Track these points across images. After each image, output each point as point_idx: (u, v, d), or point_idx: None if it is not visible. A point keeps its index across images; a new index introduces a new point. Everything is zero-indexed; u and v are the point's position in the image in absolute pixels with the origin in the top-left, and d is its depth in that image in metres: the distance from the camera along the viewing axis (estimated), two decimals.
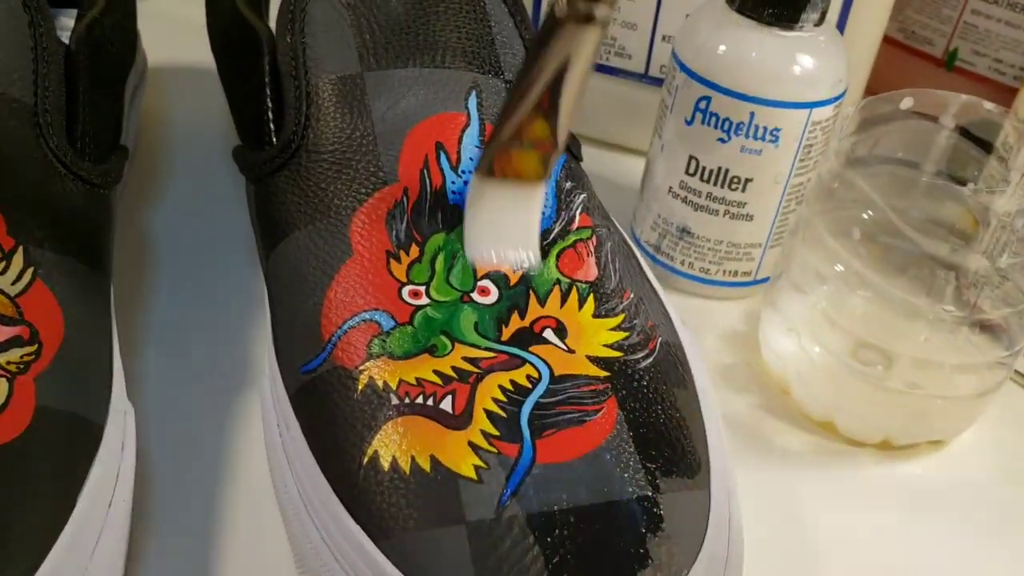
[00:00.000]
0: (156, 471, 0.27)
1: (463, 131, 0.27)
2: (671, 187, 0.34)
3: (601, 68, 0.41)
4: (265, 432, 0.26)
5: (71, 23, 0.33)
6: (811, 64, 0.31)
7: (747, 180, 0.33)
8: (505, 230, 0.26)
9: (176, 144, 0.41)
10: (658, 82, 0.41)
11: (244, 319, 0.32)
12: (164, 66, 0.44)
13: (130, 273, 0.33)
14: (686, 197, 0.34)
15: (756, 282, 0.36)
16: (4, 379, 0.22)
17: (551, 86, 0.23)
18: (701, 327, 0.35)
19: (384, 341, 0.24)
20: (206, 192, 0.38)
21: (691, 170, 0.33)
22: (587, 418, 0.23)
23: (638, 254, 0.30)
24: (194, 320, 0.32)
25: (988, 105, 0.31)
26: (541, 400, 0.23)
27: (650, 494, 0.22)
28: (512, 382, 0.23)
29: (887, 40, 0.47)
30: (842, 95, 0.32)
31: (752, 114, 0.31)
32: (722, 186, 0.33)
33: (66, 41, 0.30)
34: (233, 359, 0.31)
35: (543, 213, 0.27)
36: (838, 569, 0.27)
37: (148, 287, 0.33)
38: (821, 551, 0.28)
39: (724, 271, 0.35)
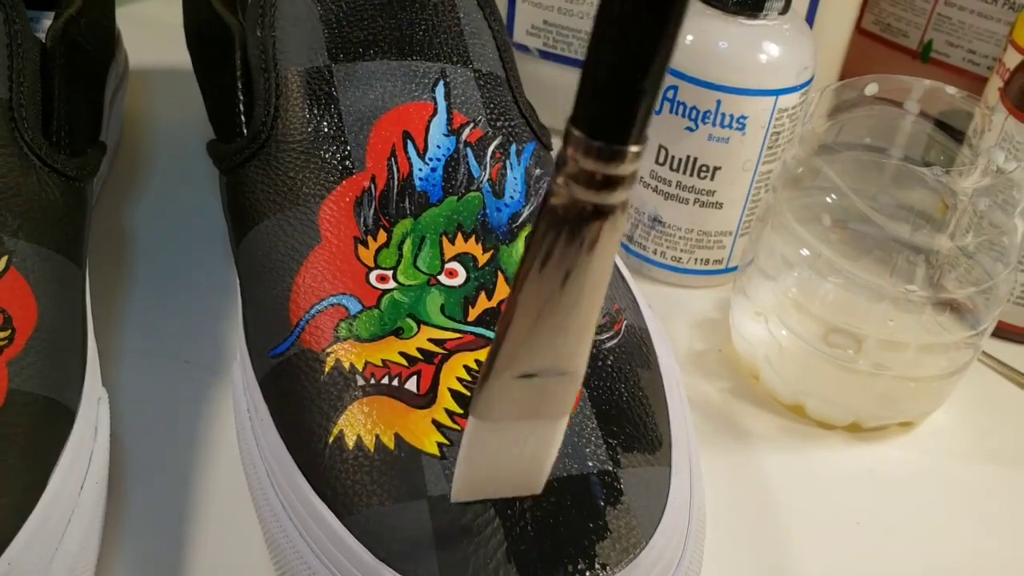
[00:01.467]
0: (130, 456, 0.28)
1: (430, 120, 0.28)
2: (642, 177, 0.35)
3: (575, 62, 0.42)
4: (235, 417, 0.26)
5: (49, 24, 0.33)
6: (776, 52, 0.32)
7: (716, 168, 0.33)
8: (507, 469, 0.21)
9: (156, 142, 0.41)
10: None
11: (218, 309, 0.33)
12: (145, 68, 0.45)
13: (109, 265, 0.34)
14: (656, 186, 0.34)
15: (728, 270, 0.36)
16: None
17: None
18: (674, 314, 0.35)
19: (351, 324, 0.25)
20: (185, 188, 0.39)
21: (660, 159, 0.34)
22: None
23: None
24: (171, 311, 0.33)
25: (951, 90, 0.32)
26: None
27: (611, 468, 0.22)
28: (477, 362, 0.24)
29: (863, 32, 0.48)
30: (809, 82, 0.33)
31: (719, 102, 0.32)
32: (691, 175, 0.34)
33: (42, 39, 0.30)
34: (207, 347, 0.31)
35: (512, 198, 0.27)
36: (808, 550, 0.28)
37: (126, 279, 0.34)
38: (791, 533, 0.28)
39: (696, 259, 0.36)
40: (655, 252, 0.36)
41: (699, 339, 0.34)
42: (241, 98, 0.29)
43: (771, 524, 0.29)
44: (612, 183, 0.15)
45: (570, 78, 0.42)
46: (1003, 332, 0.36)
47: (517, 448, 0.20)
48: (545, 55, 0.42)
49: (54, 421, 0.24)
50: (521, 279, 0.17)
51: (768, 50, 0.32)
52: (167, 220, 0.37)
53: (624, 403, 0.24)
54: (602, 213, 0.16)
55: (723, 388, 0.33)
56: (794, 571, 0.27)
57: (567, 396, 0.19)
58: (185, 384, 0.30)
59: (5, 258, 0.25)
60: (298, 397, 0.24)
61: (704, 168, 0.33)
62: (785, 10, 0.32)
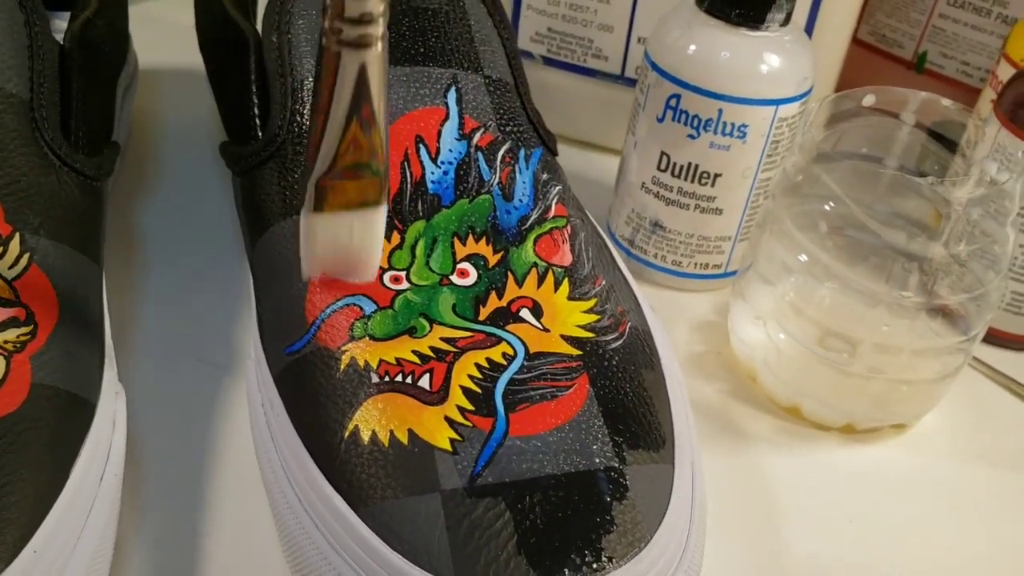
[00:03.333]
0: (144, 451, 0.28)
1: (442, 124, 0.29)
2: (644, 183, 0.36)
3: (578, 69, 0.43)
4: (250, 412, 0.27)
5: (64, 25, 0.34)
6: (777, 63, 0.32)
7: (716, 175, 0.34)
8: (344, 257, 0.26)
9: (165, 142, 0.42)
10: (634, 83, 0.42)
11: (229, 307, 0.34)
12: (154, 68, 0.45)
13: (120, 264, 0.35)
14: (658, 192, 0.35)
15: (726, 275, 0.37)
16: (1, 357, 0.23)
17: (352, 110, 0.23)
18: (673, 318, 0.36)
19: (366, 323, 0.25)
20: (194, 187, 0.39)
21: (662, 166, 0.35)
22: (559, 393, 0.24)
23: (611, 246, 0.31)
24: (181, 309, 0.33)
25: (946, 102, 0.33)
26: (516, 376, 0.24)
27: (617, 465, 0.23)
28: (488, 359, 0.25)
29: (859, 43, 0.49)
30: (808, 92, 0.34)
31: (720, 111, 0.33)
32: (692, 181, 0.34)
33: (60, 41, 0.31)
34: (217, 344, 0.32)
35: (521, 201, 0.28)
36: (803, 546, 0.29)
37: (137, 277, 0.34)
38: (787, 530, 0.29)
39: (695, 264, 0.36)
40: (656, 256, 0.37)
41: (698, 342, 0.35)
42: (256, 102, 0.30)
43: (768, 521, 0.29)
44: (367, 21, 0.21)
45: (572, 84, 0.43)
46: (993, 338, 0.37)
47: (346, 235, 0.25)
48: (548, 62, 0.43)
49: (75, 414, 0.24)
50: (317, 101, 0.23)
51: (769, 61, 0.32)
52: (175, 220, 0.37)
53: (629, 402, 0.25)
54: (363, 44, 0.22)
55: (721, 389, 0.34)
56: (789, 567, 0.28)
57: (376, 186, 0.24)
58: (196, 380, 0.31)
59: (27, 255, 0.25)
60: (314, 393, 0.24)
61: (705, 175, 0.34)
62: (786, 22, 0.33)
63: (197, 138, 0.42)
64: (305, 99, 0.29)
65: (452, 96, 0.29)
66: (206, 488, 0.28)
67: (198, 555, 0.26)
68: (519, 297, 0.26)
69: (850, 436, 0.33)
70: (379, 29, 0.22)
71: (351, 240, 0.25)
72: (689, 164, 0.34)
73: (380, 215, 0.25)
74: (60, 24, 0.36)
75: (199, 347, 0.32)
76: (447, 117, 0.29)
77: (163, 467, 0.28)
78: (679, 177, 0.34)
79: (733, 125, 0.33)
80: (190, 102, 0.44)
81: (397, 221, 0.27)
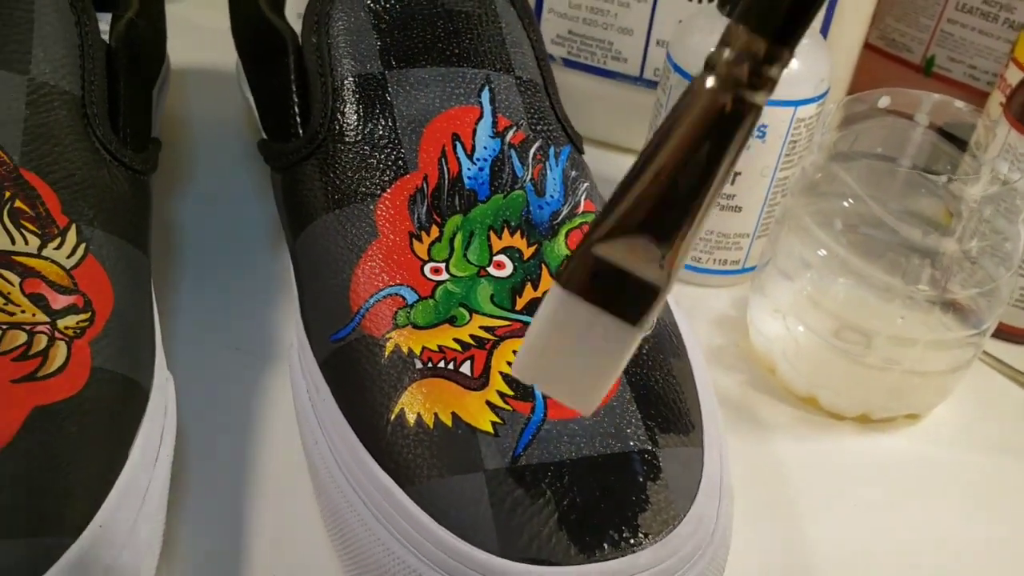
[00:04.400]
0: (188, 437, 0.29)
1: (477, 123, 0.30)
2: None
3: (598, 71, 0.44)
4: (295, 397, 0.28)
5: (105, 26, 0.35)
6: (796, 65, 0.34)
7: (736, 174, 0.35)
8: (570, 365, 0.19)
9: (195, 139, 0.43)
10: (652, 84, 0.43)
11: (264, 298, 0.35)
12: (184, 68, 0.46)
13: (156, 257, 0.36)
14: None
15: (744, 270, 0.38)
16: (63, 342, 0.24)
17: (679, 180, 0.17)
18: (693, 312, 0.37)
19: (408, 313, 0.26)
20: (224, 183, 0.40)
21: None
22: None
23: None
24: (218, 300, 0.35)
25: (958, 103, 0.34)
26: None
27: (650, 448, 0.24)
28: None
29: (868, 47, 0.50)
30: (825, 94, 0.35)
31: None
32: None
33: (105, 40, 0.32)
34: (256, 334, 0.33)
35: (552, 196, 0.29)
36: (820, 530, 0.30)
37: (174, 270, 0.36)
38: (804, 516, 0.30)
39: (715, 260, 0.38)
40: None
41: (718, 335, 0.37)
42: (296, 100, 0.31)
43: (786, 506, 0.31)
44: (761, 84, 0.16)
45: (593, 86, 0.44)
46: (1003, 333, 0.38)
47: (585, 342, 0.18)
48: (569, 64, 0.44)
49: (132, 397, 0.25)
50: (647, 154, 0.17)
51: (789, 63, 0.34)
52: (207, 214, 0.39)
53: (660, 388, 0.26)
54: (742, 112, 0.16)
55: (741, 381, 0.35)
56: (807, 549, 0.29)
57: (648, 304, 0.18)
58: (236, 369, 0.32)
59: (83, 245, 0.27)
60: (359, 378, 0.26)
61: None
62: None
63: (225, 136, 0.43)
64: (347, 99, 0.30)
65: (486, 96, 0.30)
66: (248, 473, 0.29)
67: (243, 539, 0.27)
68: None
69: (865, 425, 0.34)
70: (766, 98, 0.17)
71: (588, 348, 0.19)
72: None
73: (632, 338, 0.18)
74: (101, 25, 0.37)
75: (237, 336, 0.33)
76: (481, 116, 0.30)
77: (206, 454, 0.29)
78: None
79: None
80: (219, 101, 0.45)
81: (436, 215, 0.28)
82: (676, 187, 0.17)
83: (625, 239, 0.17)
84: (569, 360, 0.19)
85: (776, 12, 0.16)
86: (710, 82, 0.16)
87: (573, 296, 0.18)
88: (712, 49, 0.17)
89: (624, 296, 0.18)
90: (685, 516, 0.24)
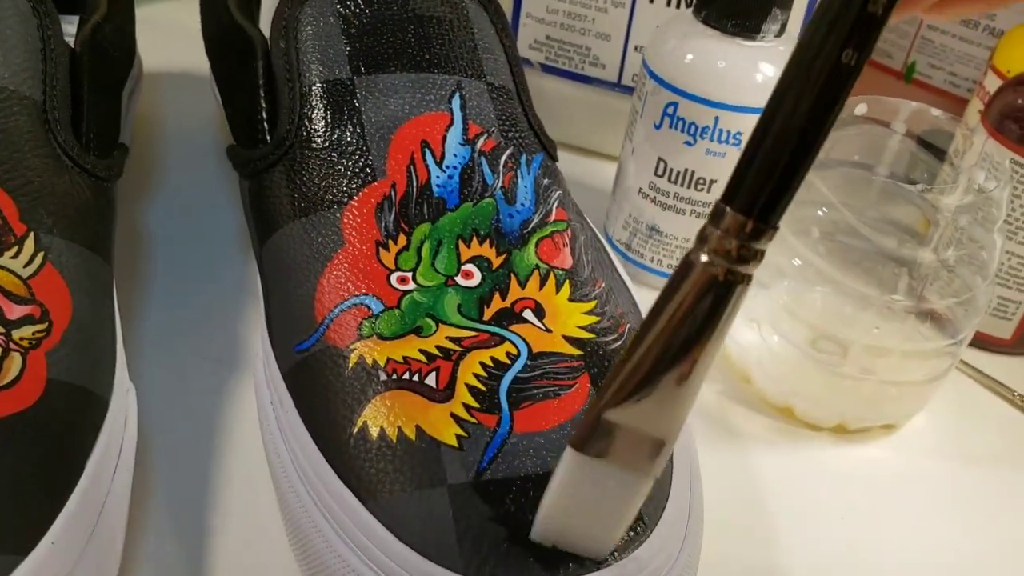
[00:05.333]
0: (150, 448, 0.29)
1: (447, 130, 0.29)
2: (641, 188, 0.36)
3: (576, 76, 0.44)
4: (259, 408, 0.27)
5: (72, 29, 0.35)
6: (772, 72, 0.33)
7: (712, 181, 0.35)
8: (587, 518, 0.21)
9: (168, 144, 0.42)
10: (630, 90, 0.43)
11: (232, 306, 0.34)
12: (157, 71, 0.46)
13: (124, 264, 0.35)
14: (655, 197, 0.36)
15: None
16: (18, 353, 0.24)
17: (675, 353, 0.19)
18: None
19: (374, 323, 0.26)
20: (196, 189, 0.40)
21: (659, 172, 0.35)
22: (562, 392, 0.25)
23: (609, 250, 0.32)
24: (184, 308, 0.34)
25: (936, 112, 0.34)
26: (519, 375, 0.25)
27: None
28: (492, 358, 0.25)
29: None
30: None
31: (716, 119, 0.33)
32: (689, 187, 0.35)
33: (70, 44, 0.31)
34: (223, 343, 0.33)
35: (523, 205, 0.29)
36: (796, 545, 0.29)
37: (141, 277, 0.35)
38: (780, 528, 0.30)
39: None
40: (652, 260, 0.37)
41: None
42: (264, 106, 0.31)
43: (760, 518, 0.30)
44: (749, 257, 0.19)
45: (570, 91, 0.44)
46: (980, 342, 0.38)
47: (601, 496, 0.21)
48: (547, 69, 0.44)
49: (89, 410, 0.25)
50: (649, 327, 0.19)
51: (764, 70, 0.33)
52: (176, 221, 0.38)
53: None
54: (733, 282, 0.19)
55: (716, 390, 0.34)
56: (781, 562, 0.29)
57: (656, 454, 0.20)
58: (201, 377, 0.31)
59: (42, 254, 0.26)
60: (323, 390, 0.25)
61: (701, 181, 0.35)
62: (780, 33, 0.34)
63: (199, 141, 0.43)
64: (314, 104, 0.29)
65: (456, 102, 0.30)
66: (212, 483, 0.28)
67: (206, 550, 0.27)
68: (522, 298, 0.27)
69: (841, 436, 0.33)
70: (755, 268, 0.19)
71: (601, 499, 0.21)
72: (686, 170, 0.35)
73: (644, 487, 0.21)
74: (68, 28, 0.37)
75: (203, 345, 0.33)
76: (452, 123, 0.30)
77: (169, 463, 0.29)
78: (676, 183, 0.35)
79: (729, 132, 0.34)
80: (192, 105, 0.45)
81: (403, 223, 0.28)
82: (676, 348, 0.19)
83: (631, 401, 0.19)
84: (585, 514, 0.21)
85: (760, 196, 0.18)
86: (703, 257, 0.18)
87: (588, 457, 0.20)
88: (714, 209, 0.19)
89: (636, 451, 0.20)
90: (653, 530, 0.23)
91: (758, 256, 0.19)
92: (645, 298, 0.32)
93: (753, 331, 0.33)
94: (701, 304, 0.19)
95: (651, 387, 0.19)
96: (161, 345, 0.32)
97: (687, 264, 0.19)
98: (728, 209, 0.18)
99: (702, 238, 0.19)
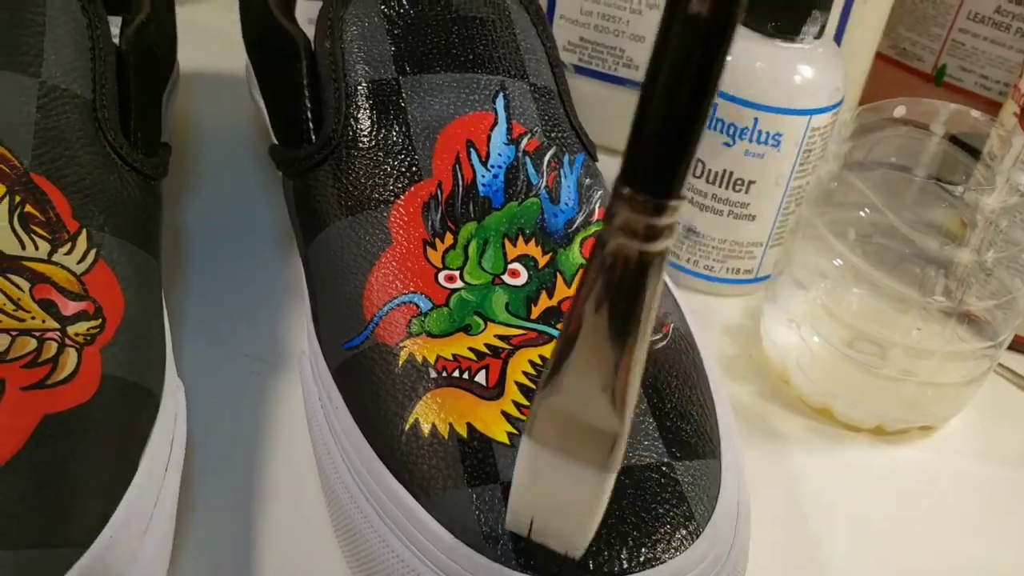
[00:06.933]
0: (196, 444, 0.29)
1: (491, 129, 0.30)
2: None
3: (609, 78, 0.44)
4: (306, 405, 0.28)
5: (115, 29, 0.35)
6: (811, 74, 0.33)
7: (750, 182, 0.35)
8: (553, 511, 0.21)
9: (204, 144, 0.43)
10: None
11: (272, 303, 0.34)
12: (192, 71, 0.46)
13: (164, 263, 0.35)
14: (692, 198, 0.36)
15: (757, 279, 0.38)
16: (73, 349, 0.24)
17: (607, 335, 0.18)
18: (705, 321, 0.37)
19: (422, 321, 0.26)
20: (232, 187, 0.40)
21: (698, 172, 0.36)
22: None
23: None
24: (226, 306, 0.34)
25: (975, 114, 0.34)
26: None
27: (668, 461, 0.24)
28: (541, 356, 0.25)
29: (879, 56, 0.50)
30: (839, 103, 0.35)
31: (756, 120, 0.34)
32: (727, 187, 0.35)
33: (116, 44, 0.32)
34: (265, 340, 0.33)
35: (567, 204, 0.29)
36: (834, 544, 0.29)
37: (181, 275, 0.35)
38: (819, 528, 0.30)
39: (727, 269, 0.37)
40: (688, 261, 0.38)
41: (730, 344, 0.36)
42: (309, 106, 0.31)
43: (800, 518, 0.30)
44: (657, 234, 0.17)
45: (603, 93, 0.44)
46: (1019, 345, 0.38)
47: (561, 488, 0.20)
48: (580, 70, 0.44)
49: (143, 405, 0.25)
50: (572, 314, 0.18)
51: (803, 72, 0.33)
52: (215, 219, 0.38)
53: (677, 401, 0.26)
54: (647, 261, 0.17)
55: (754, 391, 0.34)
56: (821, 563, 0.29)
57: (608, 448, 0.19)
58: (244, 374, 0.32)
59: (94, 251, 0.26)
60: (373, 387, 0.25)
61: (739, 182, 0.35)
62: (819, 35, 0.34)
63: (233, 140, 0.43)
64: (360, 104, 0.29)
65: (500, 102, 0.30)
66: (257, 479, 0.29)
67: (252, 547, 0.27)
68: (569, 297, 0.27)
69: (880, 437, 0.33)
70: (665, 244, 0.18)
71: (561, 493, 0.20)
72: (724, 171, 0.35)
73: (603, 481, 0.20)
74: (112, 28, 0.37)
75: (244, 342, 0.33)
76: (496, 122, 0.30)
77: (214, 459, 0.29)
78: (714, 183, 0.35)
79: (768, 134, 0.34)
80: (226, 106, 0.45)
81: (450, 222, 0.28)
82: (602, 334, 0.18)
83: (575, 388, 0.19)
84: (550, 507, 0.21)
85: (652, 172, 0.17)
86: (613, 239, 0.17)
87: (540, 447, 0.20)
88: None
89: (587, 444, 0.19)
90: (704, 531, 0.23)
91: (666, 232, 0.17)
92: (682, 300, 0.32)
93: (792, 331, 0.34)
94: (614, 286, 0.18)
95: (582, 374, 0.19)
96: (202, 341, 0.33)
97: (600, 246, 0.18)
98: (627, 190, 0.17)
99: (609, 219, 0.18)
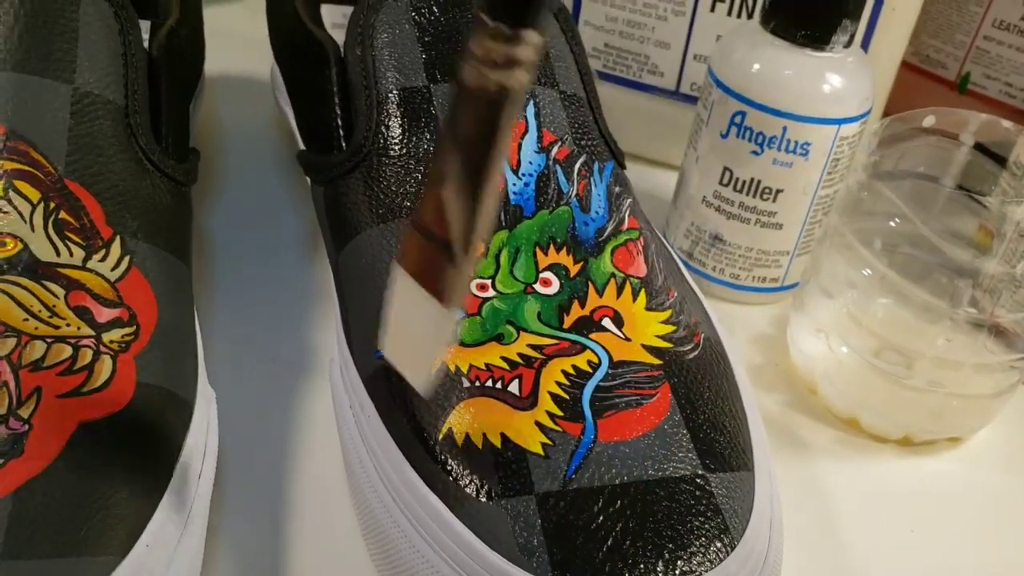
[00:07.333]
0: (225, 450, 0.29)
1: (522, 137, 0.29)
2: (705, 196, 0.36)
3: (633, 84, 0.44)
4: (336, 412, 0.28)
5: (144, 35, 0.35)
6: (840, 83, 0.33)
7: (778, 191, 0.35)
8: (409, 341, 0.22)
9: (229, 149, 0.43)
10: (688, 99, 0.43)
11: (299, 309, 0.34)
12: (216, 76, 0.46)
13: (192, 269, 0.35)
14: (719, 206, 0.36)
15: (783, 288, 0.38)
16: (108, 357, 0.24)
17: (465, 166, 0.19)
18: (731, 330, 0.37)
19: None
20: (257, 193, 0.40)
21: (725, 181, 0.35)
22: (644, 401, 0.25)
23: (676, 258, 0.32)
24: (253, 310, 0.34)
25: (1006, 123, 0.34)
26: (601, 383, 0.25)
27: (702, 472, 0.24)
28: (574, 367, 0.25)
29: (903, 64, 0.50)
30: (868, 113, 0.35)
31: (784, 128, 0.33)
32: (754, 196, 0.35)
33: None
34: (292, 346, 0.33)
35: (597, 213, 0.29)
36: (861, 556, 0.29)
37: (206, 280, 0.35)
38: (846, 539, 0.30)
39: (753, 277, 0.37)
40: (714, 269, 0.37)
41: (756, 353, 0.36)
42: (339, 113, 0.31)
43: (827, 529, 0.30)
44: (512, 63, 0.18)
45: (629, 99, 0.44)
46: None
47: (414, 321, 0.21)
48: (604, 76, 0.44)
49: (176, 413, 0.25)
50: (438, 148, 0.19)
51: (832, 81, 0.33)
52: (240, 224, 0.38)
53: (710, 411, 0.26)
54: (503, 91, 0.18)
55: (781, 401, 0.34)
56: (848, 571, 0.29)
57: (449, 278, 0.20)
58: (272, 380, 0.32)
59: (128, 257, 0.26)
60: (406, 396, 0.25)
61: (767, 190, 0.35)
62: (849, 43, 0.34)
63: (258, 143, 0.43)
64: (391, 112, 0.29)
65: (531, 110, 0.30)
66: (286, 486, 0.29)
67: (282, 554, 0.27)
68: (600, 307, 0.27)
69: (907, 448, 0.33)
70: (523, 78, 0.19)
71: (414, 323, 0.21)
72: (752, 179, 0.35)
73: (444, 320, 0.21)
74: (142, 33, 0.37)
75: (272, 347, 0.33)
76: (527, 130, 0.30)
77: (242, 466, 0.29)
78: (741, 192, 0.35)
79: (796, 143, 0.34)
80: (250, 110, 0.45)
81: None
82: (457, 167, 0.19)
83: (431, 218, 0.20)
84: (407, 338, 0.22)
85: (510, 3, 0.18)
86: (471, 67, 0.18)
87: (402, 271, 0.21)
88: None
89: (433, 274, 0.20)
90: (740, 542, 0.23)
91: (523, 65, 0.18)
92: (709, 308, 0.32)
93: (820, 341, 0.33)
94: (477, 112, 0.19)
95: (436, 210, 0.20)
96: (230, 347, 0.33)
97: (460, 75, 0.19)
98: (484, 17, 0.18)
99: (469, 50, 0.19)
